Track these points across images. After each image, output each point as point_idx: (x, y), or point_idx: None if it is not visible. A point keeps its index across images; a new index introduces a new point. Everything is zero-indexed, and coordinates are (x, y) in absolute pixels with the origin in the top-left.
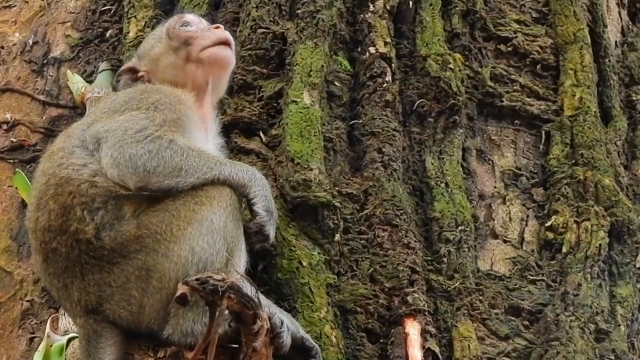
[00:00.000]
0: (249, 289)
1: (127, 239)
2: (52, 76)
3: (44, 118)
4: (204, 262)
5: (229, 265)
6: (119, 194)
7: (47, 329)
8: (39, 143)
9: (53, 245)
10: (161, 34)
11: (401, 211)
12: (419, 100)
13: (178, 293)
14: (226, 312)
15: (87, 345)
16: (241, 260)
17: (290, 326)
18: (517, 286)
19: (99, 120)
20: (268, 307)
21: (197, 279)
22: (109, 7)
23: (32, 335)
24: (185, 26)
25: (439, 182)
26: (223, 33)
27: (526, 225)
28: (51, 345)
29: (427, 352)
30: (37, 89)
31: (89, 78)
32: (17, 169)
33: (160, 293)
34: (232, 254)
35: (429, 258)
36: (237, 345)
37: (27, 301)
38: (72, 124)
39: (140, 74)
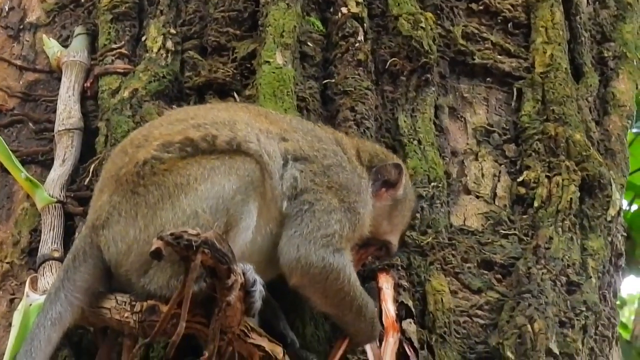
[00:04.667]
0: (223, 244)
1: (160, 169)
2: (28, 41)
3: (21, 83)
4: (200, 226)
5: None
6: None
7: (27, 289)
8: (17, 107)
9: (125, 149)
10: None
11: None
12: (391, 59)
13: (153, 247)
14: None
15: (71, 262)
16: (238, 238)
17: (262, 290)
18: (490, 240)
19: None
20: (243, 264)
21: (171, 234)
22: None
23: (13, 297)
24: None
25: (412, 140)
26: None
27: (498, 180)
28: (30, 305)
29: (400, 305)
30: (14, 54)
31: (64, 43)
32: None
33: (149, 245)
34: (229, 229)
35: None
36: None
37: (7, 263)
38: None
39: (396, 192)
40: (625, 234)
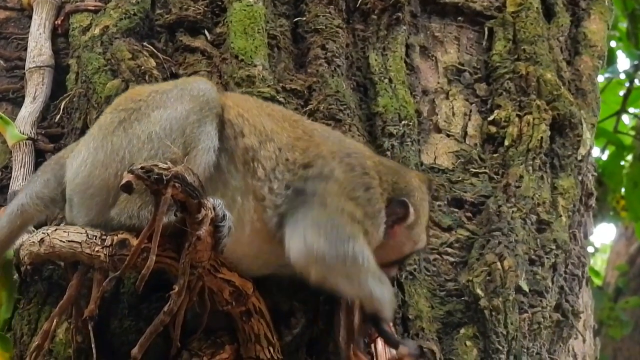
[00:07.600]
0: (193, 178)
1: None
2: None
3: None
4: (157, 150)
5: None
6: None
7: None
8: None
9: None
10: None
11: (345, 106)
12: None
13: (123, 181)
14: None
15: (40, 172)
16: (199, 160)
17: (231, 226)
18: (460, 179)
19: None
20: (213, 199)
21: (142, 168)
22: None
23: None
24: None
25: (383, 78)
26: None
27: (469, 119)
28: None
29: None
30: None
31: None
32: None
33: (93, 167)
34: (188, 151)
35: None
36: None
37: None
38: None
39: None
40: (595, 174)
